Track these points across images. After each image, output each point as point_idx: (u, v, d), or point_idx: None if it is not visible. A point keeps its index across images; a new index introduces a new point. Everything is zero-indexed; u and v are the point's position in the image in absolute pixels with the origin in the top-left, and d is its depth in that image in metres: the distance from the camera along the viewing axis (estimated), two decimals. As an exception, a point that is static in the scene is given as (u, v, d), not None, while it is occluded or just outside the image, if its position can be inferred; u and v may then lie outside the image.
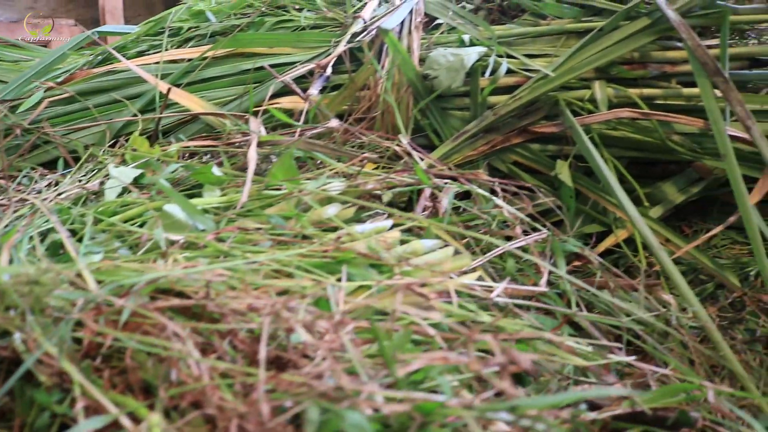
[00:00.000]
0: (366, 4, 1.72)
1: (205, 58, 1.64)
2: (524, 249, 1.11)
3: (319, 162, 1.22)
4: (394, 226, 0.98)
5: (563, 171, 1.43)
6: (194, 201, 1.01)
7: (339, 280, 0.79)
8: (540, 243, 1.13)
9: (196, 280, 0.72)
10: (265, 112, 1.44)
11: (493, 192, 1.22)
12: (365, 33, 1.57)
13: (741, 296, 1.42)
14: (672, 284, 1.24)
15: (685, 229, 1.65)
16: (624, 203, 1.30)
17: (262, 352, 0.59)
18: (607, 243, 1.47)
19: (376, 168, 1.22)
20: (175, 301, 0.69)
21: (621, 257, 1.50)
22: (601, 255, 1.50)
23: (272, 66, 1.58)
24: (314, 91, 1.43)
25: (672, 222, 1.66)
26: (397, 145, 1.25)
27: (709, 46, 1.50)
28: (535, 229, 1.21)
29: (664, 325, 1.12)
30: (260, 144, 1.19)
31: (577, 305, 1.06)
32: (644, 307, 1.20)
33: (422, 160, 1.31)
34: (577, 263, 1.37)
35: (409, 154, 1.23)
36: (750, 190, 1.32)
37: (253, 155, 1.10)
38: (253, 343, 0.65)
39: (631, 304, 1.16)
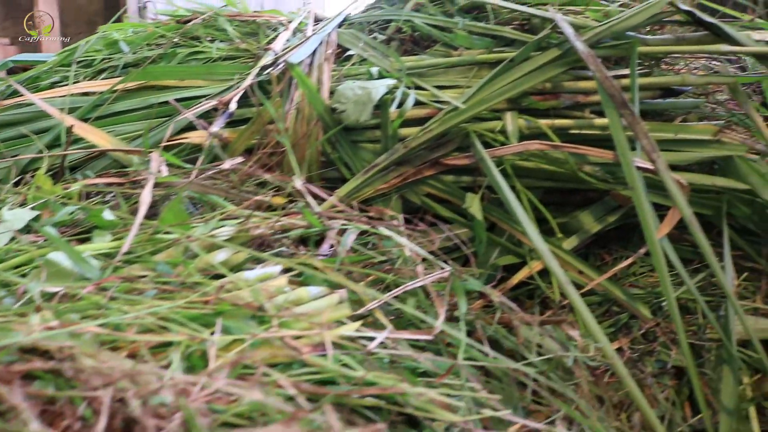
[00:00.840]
0: (279, 35, 1.73)
1: (115, 91, 1.63)
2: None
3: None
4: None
5: (473, 204, 1.44)
6: (82, 247, 1.00)
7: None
8: (441, 282, 1.13)
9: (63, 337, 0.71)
10: (173, 147, 1.44)
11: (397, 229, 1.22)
12: (275, 66, 1.56)
13: (654, 326, 1.44)
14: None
15: (605, 256, 1.67)
16: (532, 236, 1.31)
17: (101, 423, 0.59)
18: (521, 275, 1.48)
19: (274, 209, 1.22)
20: (37, 363, 0.68)
21: (537, 288, 1.51)
22: (518, 287, 1.51)
23: (183, 99, 1.58)
24: (216, 128, 1.42)
25: (593, 249, 1.67)
26: (292, 186, 1.25)
27: (623, 76, 1.52)
28: (453, 261, 1.22)
29: (571, 361, 1.13)
30: (158, 184, 1.18)
31: (480, 342, 1.07)
32: (556, 342, 1.22)
33: (329, 197, 1.31)
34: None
35: (314, 195, 1.23)
36: (663, 216, 1.34)
37: (146, 198, 1.09)
38: (113, 406, 0.64)
39: (537, 340, 1.17)
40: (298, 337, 0.80)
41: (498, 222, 1.50)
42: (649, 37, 1.54)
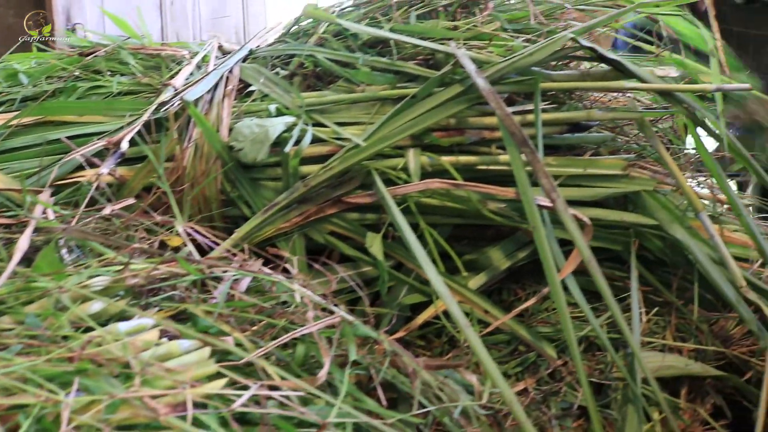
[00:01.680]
0: (181, 69, 1.71)
1: (10, 126, 1.60)
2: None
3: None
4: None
5: (374, 244, 1.43)
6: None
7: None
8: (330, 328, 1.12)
9: None
10: (69, 185, 1.42)
11: (287, 271, 1.21)
12: (173, 102, 1.55)
13: (561, 365, 1.45)
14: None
15: (519, 291, 1.67)
16: (431, 277, 1.31)
17: None
18: (426, 315, 1.48)
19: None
20: None
21: (445, 327, 1.50)
22: (427, 324, 1.51)
23: (82, 135, 1.56)
24: (104, 170, 1.40)
25: (508, 284, 1.68)
26: (176, 233, 1.24)
27: (529, 111, 1.53)
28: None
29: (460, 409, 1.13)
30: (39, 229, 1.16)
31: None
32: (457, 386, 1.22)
33: (226, 237, 1.30)
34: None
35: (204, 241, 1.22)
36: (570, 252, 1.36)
37: (22, 244, 1.07)
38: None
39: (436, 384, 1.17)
40: (161, 396, 0.78)
41: (403, 260, 1.49)
42: (554, 72, 1.55)
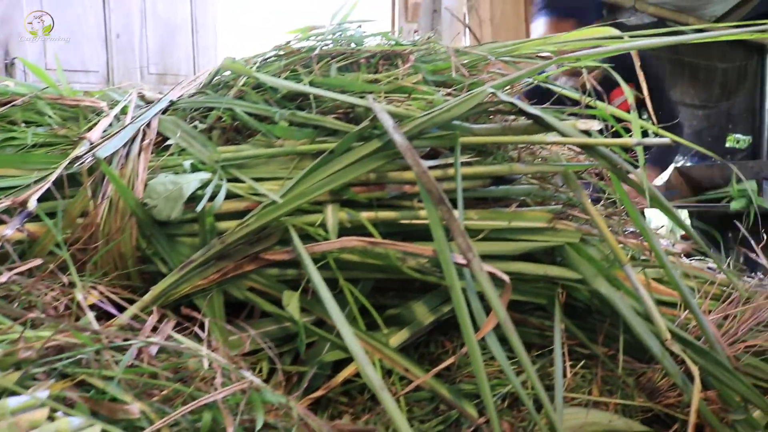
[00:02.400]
0: (98, 121, 1.70)
1: None
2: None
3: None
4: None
5: (291, 302, 1.43)
6: None
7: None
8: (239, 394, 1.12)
9: None
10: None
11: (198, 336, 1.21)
12: (87, 157, 1.54)
13: (483, 423, 1.44)
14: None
15: (446, 344, 1.67)
16: (345, 337, 1.30)
17: None
18: (347, 372, 1.47)
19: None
20: None
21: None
22: (347, 382, 1.50)
23: (-4, 189, 1.54)
24: (9, 231, 1.38)
25: (436, 336, 1.68)
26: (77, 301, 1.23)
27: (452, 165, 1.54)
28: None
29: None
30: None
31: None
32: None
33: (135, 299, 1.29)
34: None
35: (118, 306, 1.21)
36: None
37: None
38: None
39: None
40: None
41: (323, 317, 1.49)
42: (475, 126, 1.55)
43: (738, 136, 11.17)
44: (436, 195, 1.34)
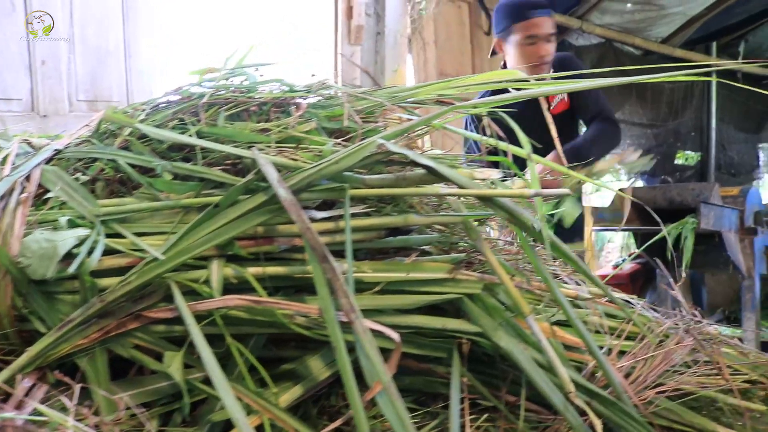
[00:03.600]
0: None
1: None
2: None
3: None
4: None
5: (173, 363, 1.39)
6: None
7: None
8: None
9: None
10: None
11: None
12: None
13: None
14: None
15: (348, 397, 1.64)
16: (225, 401, 1.25)
17: None
18: (236, 433, 1.44)
19: None
20: None
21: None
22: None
23: None
24: None
25: (337, 388, 1.64)
26: None
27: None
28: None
29: None
30: None
31: None
32: None
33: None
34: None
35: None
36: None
37: None
38: None
39: None
40: None
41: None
42: (368, 177, 1.52)
43: (688, 152, 11.38)
44: (319, 252, 1.31)
